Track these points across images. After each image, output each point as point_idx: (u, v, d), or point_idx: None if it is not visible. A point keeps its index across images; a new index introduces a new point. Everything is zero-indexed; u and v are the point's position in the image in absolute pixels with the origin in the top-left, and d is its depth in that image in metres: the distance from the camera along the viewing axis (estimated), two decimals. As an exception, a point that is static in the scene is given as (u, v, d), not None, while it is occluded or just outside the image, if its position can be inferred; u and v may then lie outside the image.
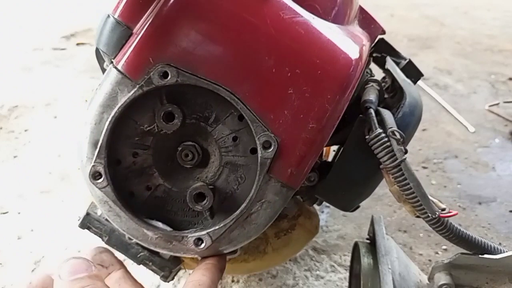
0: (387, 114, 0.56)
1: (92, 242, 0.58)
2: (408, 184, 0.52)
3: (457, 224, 0.56)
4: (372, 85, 0.60)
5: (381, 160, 0.54)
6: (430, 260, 0.94)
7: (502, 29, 2.32)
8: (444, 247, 0.98)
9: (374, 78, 0.62)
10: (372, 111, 0.56)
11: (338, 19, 0.61)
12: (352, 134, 0.57)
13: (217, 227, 0.52)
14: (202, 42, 0.51)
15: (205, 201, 0.52)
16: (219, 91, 0.51)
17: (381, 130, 0.54)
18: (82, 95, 1.60)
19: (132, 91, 0.51)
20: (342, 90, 0.52)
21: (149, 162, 0.55)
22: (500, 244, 0.99)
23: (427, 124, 1.50)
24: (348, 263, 0.89)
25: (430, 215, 0.54)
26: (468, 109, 1.59)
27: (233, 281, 0.88)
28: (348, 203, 0.60)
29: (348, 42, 0.55)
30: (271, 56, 0.51)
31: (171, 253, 0.54)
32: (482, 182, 1.21)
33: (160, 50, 0.52)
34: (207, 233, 0.52)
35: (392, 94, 0.69)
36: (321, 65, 0.52)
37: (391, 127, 0.53)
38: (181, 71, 0.51)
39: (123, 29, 0.54)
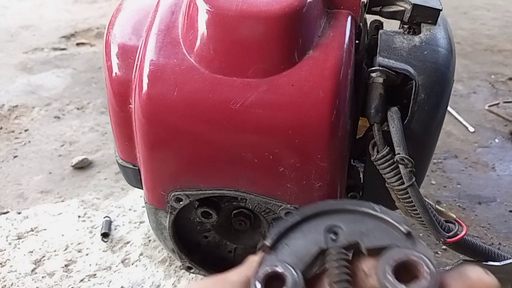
0: (395, 126, 0.48)
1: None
2: (414, 207, 0.50)
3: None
4: (374, 84, 0.50)
5: (387, 181, 0.50)
6: (430, 260, 0.94)
7: (502, 29, 2.32)
8: (444, 247, 0.98)
9: (376, 68, 0.50)
10: (376, 127, 0.50)
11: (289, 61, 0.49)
12: (368, 159, 0.54)
13: None
14: (185, 164, 0.54)
15: None
16: (224, 193, 0.55)
17: (387, 150, 0.49)
18: (82, 95, 1.60)
19: (167, 217, 0.60)
20: (330, 142, 0.47)
21: (218, 237, 0.67)
22: (500, 244, 0.99)
23: (427, 124, 1.49)
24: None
25: (437, 239, 0.52)
26: (468, 109, 1.59)
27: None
28: (391, 207, 0.56)
29: (312, 84, 0.46)
30: (246, 150, 0.49)
31: None
32: (482, 182, 1.21)
33: (163, 183, 0.57)
34: None
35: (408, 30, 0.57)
36: (296, 133, 0.47)
37: (399, 153, 0.47)
38: (188, 192, 0.56)
39: (131, 169, 0.62)
